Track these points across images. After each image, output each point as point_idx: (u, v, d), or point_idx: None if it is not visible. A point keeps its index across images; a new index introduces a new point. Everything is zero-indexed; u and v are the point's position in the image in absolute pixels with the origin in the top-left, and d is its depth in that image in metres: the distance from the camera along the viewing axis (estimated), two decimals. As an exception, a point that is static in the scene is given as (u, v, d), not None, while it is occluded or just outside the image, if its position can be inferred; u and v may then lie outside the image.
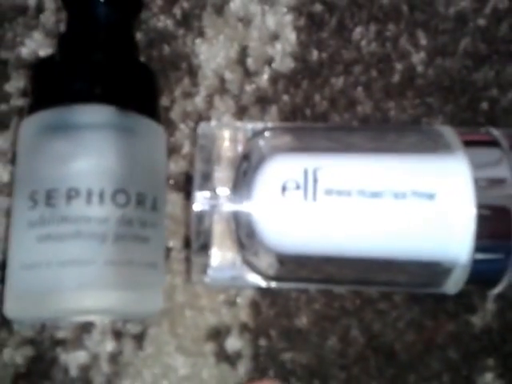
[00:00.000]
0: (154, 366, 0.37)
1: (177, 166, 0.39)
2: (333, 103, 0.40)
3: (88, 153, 0.33)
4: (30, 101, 0.36)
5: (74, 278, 0.31)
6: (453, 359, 0.38)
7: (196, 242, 0.33)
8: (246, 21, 0.40)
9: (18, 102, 0.39)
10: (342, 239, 0.33)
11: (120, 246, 0.32)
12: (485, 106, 0.39)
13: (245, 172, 0.34)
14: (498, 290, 0.33)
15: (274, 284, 0.36)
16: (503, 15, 0.40)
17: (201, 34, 0.40)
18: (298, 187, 0.32)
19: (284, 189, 0.32)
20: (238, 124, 0.37)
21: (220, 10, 0.40)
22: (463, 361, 0.38)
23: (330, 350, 0.38)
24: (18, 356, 0.37)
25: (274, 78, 0.40)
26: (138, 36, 0.40)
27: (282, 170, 0.33)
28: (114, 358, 0.37)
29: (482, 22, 0.40)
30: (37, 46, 0.40)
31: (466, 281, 0.33)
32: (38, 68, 0.36)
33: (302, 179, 0.32)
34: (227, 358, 0.38)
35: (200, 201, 0.33)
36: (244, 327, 0.38)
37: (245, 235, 0.34)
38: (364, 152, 0.34)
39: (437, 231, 0.32)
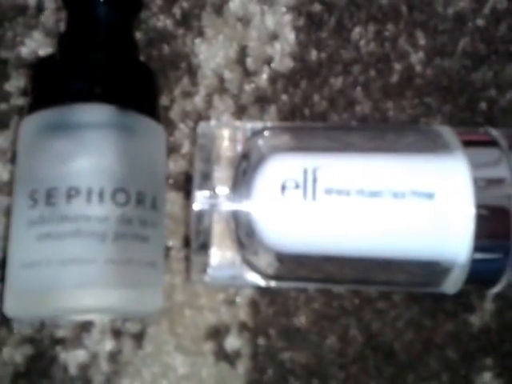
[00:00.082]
0: (153, 365, 0.38)
1: (176, 166, 0.39)
2: (332, 103, 0.40)
3: (88, 152, 0.33)
4: (30, 100, 0.36)
5: (74, 277, 0.31)
6: (451, 359, 0.38)
7: (195, 241, 0.34)
8: (246, 21, 0.40)
9: (18, 101, 0.39)
10: (342, 238, 0.33)
11: (120, 245, 0.32)
12: (483, 106, 0.39)
13: (244, 171, 0.34)
14: (496, 289, 0.34)
15: (273, 283, 0.36)
16: (502, 15, 0.40)
17: (200, 33, 0.40)
18: (297, 186, 0.32)
19: (283, 188, 0.32)
20: (238, 123, 0.37)
21: (219, 9, 0.40)
22: (462, 360, 0.38)
23: (329, 349, 0.38)
24: (17, 355, 0.37)
25: (273, 78, 0.40)
26: (138, 36, 0.40)
27: (282, 169, 0.33)
28: (114, 356, 0.37)
29: (480, 22, 0.40)
30: (37, 45, 0.40)
31: (464, 280, 0.33)
32: (38, 67, 0.36)
33: (302, 179, 0.32)
34: (226, 357, 0.38)
35: (200, 200, 0.33)
36: (243, 326, 0.38)
37: (244, 234, 0.34)
38: (363, 152, 0.34)
39: (436, 231, 0.32)
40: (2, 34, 0.40)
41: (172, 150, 0.39)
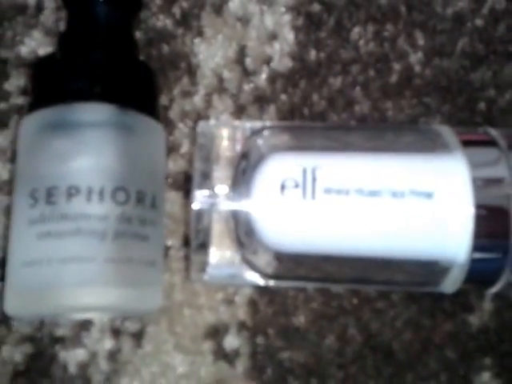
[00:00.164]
0: (152, 364, 0.38)
1: (176, 165, 0.39)
2: (331, 103, 0.40)
3: (88, 151, 0.33)
4: (30, 99, 0.36)
5: (74, 275, 0.32)
6: (450, 358, 0.38)
7: (195, 240, 0.34)
8: (245, 20, 0.40)
9: (18, 100, 0.39)
10: (341, 238, 0.33)
11: (119, 244, 0.32)
12: (482, 106, 0.39)
13: (244, 171, 0.34)
14: (495, 289, 0.34)
15: (272, 282, 0.36)
16: (500, 15, 0.40)
17: (200, 33, 0.40)
18: (296, 186, 0.32)
19: (283, 187, 0.32)
20: (237, 123, 0.37)
21: (219, 9, 0.40)
22: (460, 360, 0.38)
23: (327, 348, 0.38)
24: (16, 353, 0.37)
25: (273, 78, 0.40)
26: (138, 35, 0.40)
27: (281, 168, 0.33)
28: (113, 355, 0.38)
29: (479, 22, 0.40)
30: (36, 44, 0.40)
31: (463, 280, 0.33)
32: (38, 66, 0.36)
33: (301, 178, 0.32)
34: (225, 356, 0.38)
35: (199, 199, 0.33)
36: (242, 325, 0.38)
37: (244, 234, 0.34)
38: (362, 151, 0.34)
39: (435, 230, 0.32)
40: (2, 34, 0.40)
41: (171, 149, 0.39)
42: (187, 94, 0.40)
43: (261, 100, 0.40)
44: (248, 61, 0.40)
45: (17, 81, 0.39)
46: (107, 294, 0.32)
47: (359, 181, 0.32)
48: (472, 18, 0.40)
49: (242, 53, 0.40)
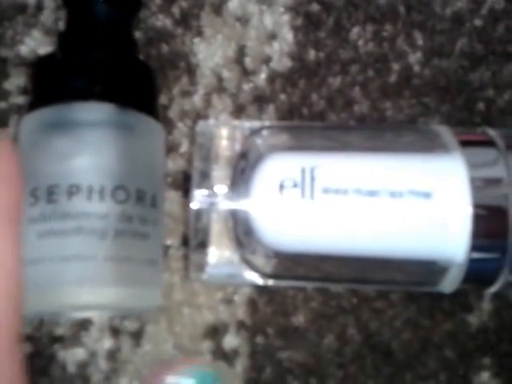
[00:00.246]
0: (151, 364, 0.38)
1: (175, 165, 0.39)
2: (330, 102, 0.40)
3: (88, 150, 0.33)
4: (29, 98, 0.36)
5: (75, 274, 0.32)
6: (449, 358, 0.38)
7: (194, 239, 0.34)
8: (244, 20, 0.40)
9: (18, 99, 0.39)
10: (339, 237, 0.33)
11: (120, 242, 0.32)
12: (481, 106, 0.39)
13: (242, 170, 0.34)
14: (494, 289, 0.34)
15: (271, 282, 0.36)
16: (499, 16, 0.40)
17: (199, 33, 0.40)
18: (295, 185, 0.32)
19: (281, 187, 0.32)
20: (236, 122, 0.38)
21: (218, 9, 0.40)
22: (460, 360, 0.38)
23: (326, 348, 0.38)
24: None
25: (272, 77, 0.40)
26: (137, 35, 0.40)
27: (280, 168, 0.33)
28: (112, 355, 0.38)
29: (478, 22, 0.40)
30: (36, 44, 0.40)
31: (462, 280, 0.33)
32: (38, 66, 0.36)
33: (300, 177, 0.32)
34: (224, 356, 0.38)
35: (198, 199, 0.33)
36: (241, 325, 0.38)
37: (242, 233, 0.34)
38: (361, 151, 0.34)
39: (433, 230, 0.32)
40: (2, 33, 0.40)
41: (170, 148, 0.39)
42: (186, 94, 0.40)
43: (260, 100, 0.40)
44: (247, 60, 0.40)
45: (17, 80, 0.39)
46: (107, 293, 0.32)
47: (358, 181, 0.32)
48: (471, 18, 0.40)
49: (241, 52, 0.40)
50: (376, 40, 0.40)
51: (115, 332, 0.38)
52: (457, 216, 0.32)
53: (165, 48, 0.40)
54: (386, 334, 0.38)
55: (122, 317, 0.38)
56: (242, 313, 0.38)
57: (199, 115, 0.39)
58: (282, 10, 0.40)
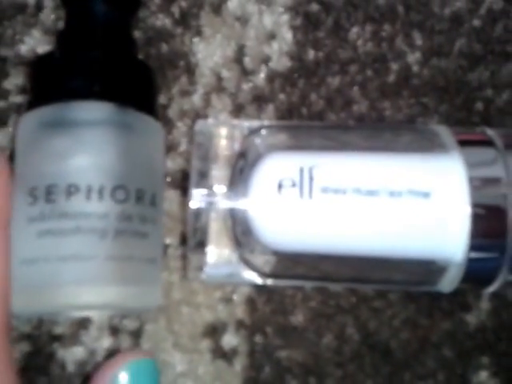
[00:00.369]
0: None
1: (174, 164, 0.39)
2: (329, 102, 0.40)
3: (87, 149, 0.33)
4: (28, 97, 0.36)
5: (75, 273, 0.32)
6: (448, 357, 0.38)
7: (192, 239, 0.34)
8: (243, 20, 0.40)
9: (17, 99, 0.39)
10: (338, 237, 0.33)
11: (120, 242, 0.32)
12: (480, 106, 0.40)
13: (241, 170, 0.34)
14: (492, 288, 0.34)
15: (270, 281, 0.36)
16: (498, 16, 0.40)
17: (198, 32, 0.40)
18: (294, 185, 0.32)
19: (280, 186, 0.32)
20: (235, 122, 0.38)
21: (217, 9, 0.41)
22: (458, 359, 0.38)
23: (325, 347, 0.38)
24: (15, 351, 0.37)
25: (271, 77, 0.40)
26: (136, 34, 0.40)
27: (279, 167, 0.33)
28: (111, 354, 0.38)
29: (477, 22, 0.40)
30: (36, 43, 0.40)
31: (460, 279, 0.33)
32: (37, 64, 0.36)
33: (298, 177, 0.32)
34: (223, 355, 0.38)
35: (197, 198, 0.33)
36: (240, 324, 0.38)
37: (241, 232, 0.34)
38: (360, 150, 0.34)
39: (432, 230, 0.32)
40: (2, 32, 0.40)
41: (170, 148, 0.39)
42: (186, 93, 0.40)
43: (259, 99, 0.40)
44: (246, 60, 0.40)
45: (16, 79, 0.39)
46: (108, 292, 0.32)
47: (356, 180, 0.32)
48: (470, 18, 0.40)
49: (240, 52, 0.40)
50: (375, 40, 0.40)
51: (114, 331, 0.38)
52: (455, 215, 0.32)
53: (164, 47, 0.40)
54: (385, 333, 0.38)
55: (121, 316, 0.38)
56: (240, 312, 0.38)
57: (198, 114, 0.40)
58: (281, 9, 0.40)
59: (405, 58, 0.40)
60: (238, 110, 0.40)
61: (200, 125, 0.35)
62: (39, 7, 0.40)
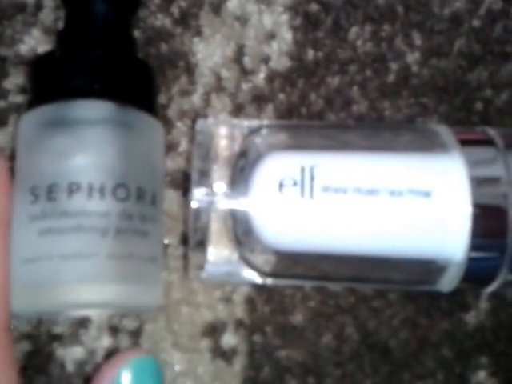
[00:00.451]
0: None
1: (174, 164, 0.39)
2: (328, 102, 0.40)
3: (87, 148, 0.33)
4: (29, 96, 0.36)
5: (76, 272, 0.32)
6: (447, 357, 0.38)
7: (193, 238, 0.34)
8: (243, 20, 0.40)
9: (17, 98, 0.39)
10: (338, 236, 0.33)
11: (121, 240, 0.32)
12: (479, 106, 0.40)
13: (242, 169, 0.34)
14: (492, 288, 0.34)
15: (269, 281, 0.36)
16: (497, 16, 0.40)
17: (198, 32, 0.40)
18: (294, 184, 0.32)
19: (281, 186, 0.32)
20: (236, 121, 0.38)
21: (217, 9, 0.41)
22: (457, 359, 0.38)
23: (324, 347, 0.38)
24: (14, 351, 0.37)
25: (271, 77, 0.40)
26: (136, 34, 0.40)
27: (279, 167, 0.33)
28: (111, 353, 0.38)
29: (476, 22, 0.40)
30: (35, 43, 0.40)
31: (460, 279, 0.33)
32: (37, 64, 0.36)
33: (300, 176, 0.32)
34: (223, 355, 0.38)
35: (197, 198, 0.33)
36: (240, 324, 0.38)
37: (242, 232, 0.34)
38: (360, 150, 0.34)
39: (432, 229, 0.32)
40: (1, 32, 0.40)
41: (170, 147, 0.39)
42: (185, 93, 0.40)
43: (259, 99, 0.40)
44: (246, 60, 0.40)
45: (16, 79, 0.39)
46: (109, 290, 0.32)
47: (357, 179, 0.32)
48: (469, 18, 0.40)
49: (240, 52, 0.40)
50: (374, 40, 0.40)
51: (114, 330, 0.38)
52: (456, 215, 0.32)
53: (164, 47, 0.40)
54: (384, 332, 0.38)
55: (120, 315, 0.38)
56: (240, 311, 0.38)
57: (198, 114, 0.39)
58: (280, 9, 0.40)
59: (404, 58, 0.40)
60: (237, 110, 0.40)
61: (200, 124, 0.35)
62: (39, 7, 0.40)
